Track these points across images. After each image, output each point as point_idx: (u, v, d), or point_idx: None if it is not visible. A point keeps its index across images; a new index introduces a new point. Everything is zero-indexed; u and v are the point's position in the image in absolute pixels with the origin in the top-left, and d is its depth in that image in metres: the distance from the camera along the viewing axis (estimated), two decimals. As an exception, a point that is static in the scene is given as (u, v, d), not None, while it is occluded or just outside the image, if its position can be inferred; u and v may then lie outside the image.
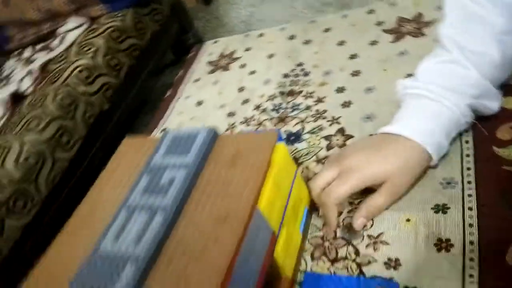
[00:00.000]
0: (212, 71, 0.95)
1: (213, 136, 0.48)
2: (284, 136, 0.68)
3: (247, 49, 0.96)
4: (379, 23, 0.81)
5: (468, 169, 0.49)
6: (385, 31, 0.78)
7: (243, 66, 0.91)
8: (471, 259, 0.42)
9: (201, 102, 0.87)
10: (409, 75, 0.64)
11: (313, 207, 0.54)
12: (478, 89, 0.48)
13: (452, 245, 0.44)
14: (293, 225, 0.48)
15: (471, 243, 0.43)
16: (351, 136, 0.62)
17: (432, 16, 0.75)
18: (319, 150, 0.62)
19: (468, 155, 0.51)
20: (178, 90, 0.95)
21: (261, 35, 0.99)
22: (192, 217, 0.41)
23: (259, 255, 0.40)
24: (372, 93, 0.67)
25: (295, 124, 0.69)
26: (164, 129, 0.85)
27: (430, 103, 0.49)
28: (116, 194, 0.48)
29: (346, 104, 0.68)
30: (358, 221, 0.47)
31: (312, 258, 0.49)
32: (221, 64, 0.96)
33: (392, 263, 0.45)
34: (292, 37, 0.91)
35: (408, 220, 0.48)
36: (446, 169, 0.51)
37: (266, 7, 1.18)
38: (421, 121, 0.49)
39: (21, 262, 0.83)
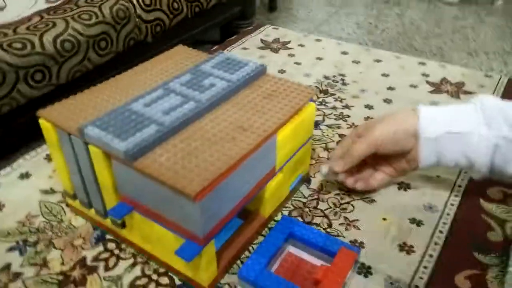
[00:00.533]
0: (262, 48, 1.01)
1: (261, 70, 0.53)
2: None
3: (301, 45, 1.02)
4: (425, 75, 0.87)
5: (452, 204, 0.54)
6: (428, 82, 0.85)
7: (291, 55, 0.97)
8: (425, 267, 0.46)
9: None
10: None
11: (306, 178, 0.58)
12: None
13: (413, 251, 0.48)
14: (288, 178, 0.53)
15: (430, 256, 0.47)
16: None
17: (473, 89, 0.82)
18: (330, 142, 0.67)
19: (456, 196, 0.56)
20: (224, 50, 1.00)
21: (318, 40, 1.05)
22: (218, 118, 0.45)
23: (254, 178, 0.44)
24: (395, 121, 0.72)
25: (318, 115, 0.74)
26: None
27: (467, 106, 0.49)
28: (157, 78, 0.52)
29: (368, 119, 0.73)
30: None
31: (289, 215, 0.53)
32: (273, 46, 1.01)
33: (357, 244, 0.49)
34: (344, 53, 0.97)
35: (384, 219, 0.52)
36: (433, 197, 0.55)
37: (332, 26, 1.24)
38: (442, 110, 0.50)
39: (12, 131, 0.86)
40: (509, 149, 0.46)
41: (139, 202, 0.42)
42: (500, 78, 0.86)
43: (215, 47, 1.00)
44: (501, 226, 0.51)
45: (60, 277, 0.46)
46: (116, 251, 0.49)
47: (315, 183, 0.59)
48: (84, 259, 0.48)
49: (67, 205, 0.55)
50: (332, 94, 0.81)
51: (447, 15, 1.26)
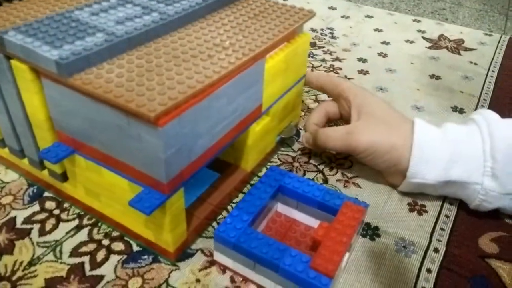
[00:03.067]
0: None
1: (245, -10, 0.42)
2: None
3: (284, -1, 0.92)
4: (421, 31, 0.79)
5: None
6: (425, 38, 0.76)
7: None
8: (442, 229, 0.38)
9: None
10: (433, 76, 0.63)
11: (296, 129, 0.49)
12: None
13: (426, 211, 0.40)
14: (276, 124, 0.43)
15: (447, 216, 0.39)
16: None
17: (473, 46, 0.74)
18: (320, 94, 0.58)
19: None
20: None
21: (303, -6, 0.95)
22: (190, 36, 0.35)
23: (235, 113, 0.34)
24: (392, 74, 0.64)
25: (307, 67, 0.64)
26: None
27: (469, 133, 0.39)
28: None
29: (363, 72, 0.64)
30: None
31: (276, 169, 0.44)
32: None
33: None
34: (332, 8, 0.88)
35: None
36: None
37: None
38: (440, 142, 0.38)
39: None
40: None
41: (82, 141, 0.32)
42: (501, 36, 0.79)
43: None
44: None
45: (-23, 242, 0.35)
46: (56, 211, 0.38)
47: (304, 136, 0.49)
48: (13, 220, 0.37)
49: (-4, 156, 0.43)
50: (320, 47, 0.71)
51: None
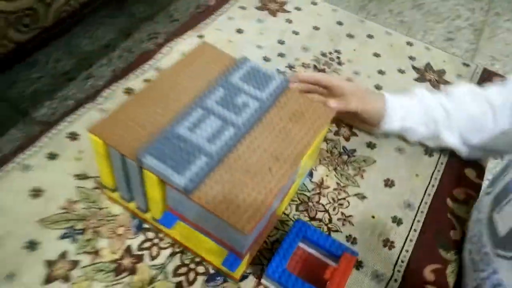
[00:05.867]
0: (259, 8, 1.01)
1: (286, 86, 0.58)
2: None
3: (297, 8, 1.03)
4: (411, 58, 0.95)
5: (425, 203, 0.67)
6: (414, 67, 0.93)
7: (289, 21, 0.99)
8: (402, 261, 0.60)
9: (241, 31, 0.94)
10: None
11: (310, 171, 0.68)
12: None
13: (394, 247, 0.62)
14: (299, 179, 0.62)
15: (406, 251, 0.61)
16: (354, 134, 0.76)
17: (453, 80, 0.91)
18: (329, 132, 0.76)
19: (429, 194, 0.69)
20: (223, 7, 0.99)
21: (314, 3, 1.06)
22: (253, 144, 0.52)
23: (281, 197, 0.53)
24: (384, 112, 0.82)
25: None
26: (200, 36, 0.90)
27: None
28: (191, 85, 0.56)
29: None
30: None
31: (297, 209, 0.64)
32: (270, 7, 1.02)
33: (351, 239, 0.61)
34: (339, 23, 1.01)
35: (373, 216, 0.65)
36: (412, 195, 0.68)
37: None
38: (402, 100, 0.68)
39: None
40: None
41: (186, 217, 0.51)
42: (477, 67, 0.96)
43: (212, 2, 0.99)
44: (460, 225, 0.65)
45: (113, 266, 0.55)
46: (156, 241, 0.58)
47: (316, 176, 0.69)
48: (129, 248, 0.57)
49: (102, 191, 0.61)
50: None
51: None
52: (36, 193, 0.60)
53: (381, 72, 0.90)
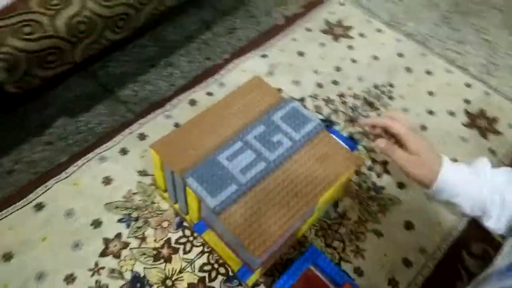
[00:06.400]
0: (324, 31, 1.07)
1: (320, 130, 0.66)
2: (346, 134, 0.86)
3: (361, 35, 1.07)
4: (466, 101, 0.96)
5: (440, 250, 0.72)
6: (466, 112, 0.94)
7: (350, 47, 1.04)
8: (401, 300, 0.66)
9: (302, 54, 1.01)
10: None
11: (335, 201, 0.76)
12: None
13: (397, 287, 0.68)
14: (321, 210, 0.70)
15: (408, 292, 0.67)
16: (387, 172, 0.81)
17: (504, 131, 0.91)
18: (361, 166, 0.82)
19: (447, 243, 0.73)
20: (290, 27, 1.06)
21: (379, 30, 1.09)
22: (279, 178, 0.61)
23: (297, 226, 0.62)
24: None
25: (359, 133, 0.87)
26: (264, 55, 0.99)
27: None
28: (237, 118, 0.66)
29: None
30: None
31: (316, 234, 0.72)
32: (335, 32, 1.07)
33: (358, 271, 0.69)
34: (400, 55, 1.04)
35: (385, 255, 0.71)
36: (428, 240, 0.73)
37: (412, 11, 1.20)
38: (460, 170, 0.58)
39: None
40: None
41: (214, 229, 0.61)
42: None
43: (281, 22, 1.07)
44: (468, 279, 0.69)
45: (154, 252, 0.68)
46: (191, 238, 0.70)
47: (341, 206, 0.76)
48: (169, 240, 0.69)
49: (156, 189, 0.74)
50: (376, 109, 0.92)
51: None
52: (107, 181, 0.75)
53: (430, 113, 0.93)
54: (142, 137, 0.81)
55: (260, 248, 0.54)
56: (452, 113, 0.93)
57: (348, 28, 1.08)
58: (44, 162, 0.77)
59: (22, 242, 0.66)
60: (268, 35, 1.04)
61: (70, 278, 0.63)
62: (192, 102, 0.88)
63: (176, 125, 0.83)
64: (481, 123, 0.92)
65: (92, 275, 0.64)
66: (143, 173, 0.76)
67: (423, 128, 0.89)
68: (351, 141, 0.73)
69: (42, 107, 0.86)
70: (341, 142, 0.67)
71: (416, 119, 0.90)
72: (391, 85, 0.97)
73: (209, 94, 0.90)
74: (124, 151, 0.79)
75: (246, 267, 0.60)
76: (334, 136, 0.67)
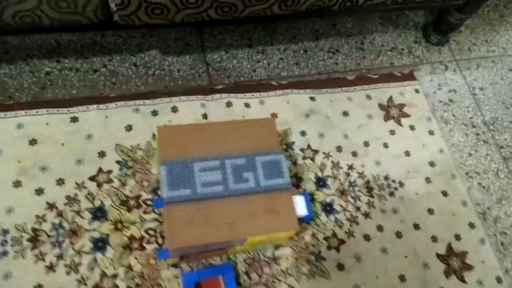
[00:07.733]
0: (380, 106, 1.11)
1: (285, 189, 0.76)
2: (328, 201, 0.94)
3: (411, 127, 1.10)
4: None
5: None
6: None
7: (392, 132, 1.08)
8: None
9: (346, 113, 1.07)
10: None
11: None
12: None
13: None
14: (258, 245, 0.81)
15: None
16: (338, 250, 0.89)
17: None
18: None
19: None
20: (359, 85, 1.13)
21: (431, 132, 1.11)
22: (227, 206, 0.73)
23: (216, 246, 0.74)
24: (378, 256, 0.91)
25: (341, 205, 0.94)
26: (312, 98, 1.07)
27: None
28: (232, 142, 0.78)
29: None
30: None
31: (244, 260, 0.84)
32: (390, 111, 1.11)
33: (253, 308, 0.80)
34: (431, 164, 1.06)
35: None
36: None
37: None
38: None
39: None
40: None
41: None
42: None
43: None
44: None
45: (124, 198, 0.85)
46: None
47: (279, 251, 0.86)
48: (140, 196, 0.86)
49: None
50: (371, 196, 0.97)
51: None
52: (129, 128, 0.93)
53: (416, 227, 0.96)
54: (175, 109, 0.97)
55: (175, 244, 0.68)
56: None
57: (405, 115, 1.11)
58: (121, 77, 1.00)
59: (48, 138, 0.87)
60: (335, 81, 1.11)
61: (60, 181, 0.84)
62: (229, 104, 1.01)
63: (204, 115, 0.97)
64: (453, 264, 0.94)
65: (76, 187, 0.84)
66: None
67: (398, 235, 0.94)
68: (310, 210, 0.81)
69: (143, 35, 1.06)
70: (300, 206, 0.77)
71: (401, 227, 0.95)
72: (401, 184, 1.01)
73: (247, 105, 1.02)
74: (175, 109, 0.96)
75: (165, 251, 0.74)
76: (295, 199, 0.77)
